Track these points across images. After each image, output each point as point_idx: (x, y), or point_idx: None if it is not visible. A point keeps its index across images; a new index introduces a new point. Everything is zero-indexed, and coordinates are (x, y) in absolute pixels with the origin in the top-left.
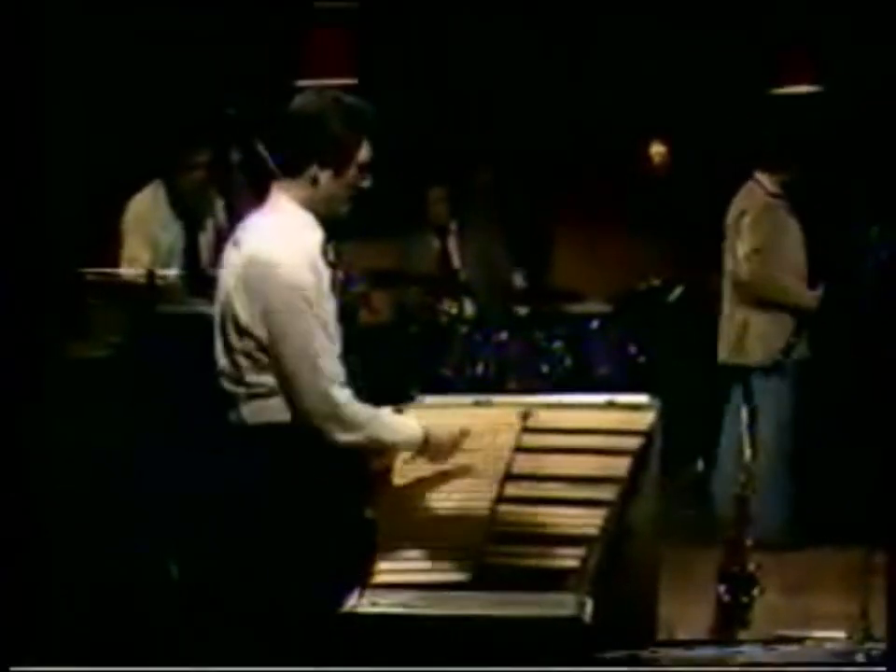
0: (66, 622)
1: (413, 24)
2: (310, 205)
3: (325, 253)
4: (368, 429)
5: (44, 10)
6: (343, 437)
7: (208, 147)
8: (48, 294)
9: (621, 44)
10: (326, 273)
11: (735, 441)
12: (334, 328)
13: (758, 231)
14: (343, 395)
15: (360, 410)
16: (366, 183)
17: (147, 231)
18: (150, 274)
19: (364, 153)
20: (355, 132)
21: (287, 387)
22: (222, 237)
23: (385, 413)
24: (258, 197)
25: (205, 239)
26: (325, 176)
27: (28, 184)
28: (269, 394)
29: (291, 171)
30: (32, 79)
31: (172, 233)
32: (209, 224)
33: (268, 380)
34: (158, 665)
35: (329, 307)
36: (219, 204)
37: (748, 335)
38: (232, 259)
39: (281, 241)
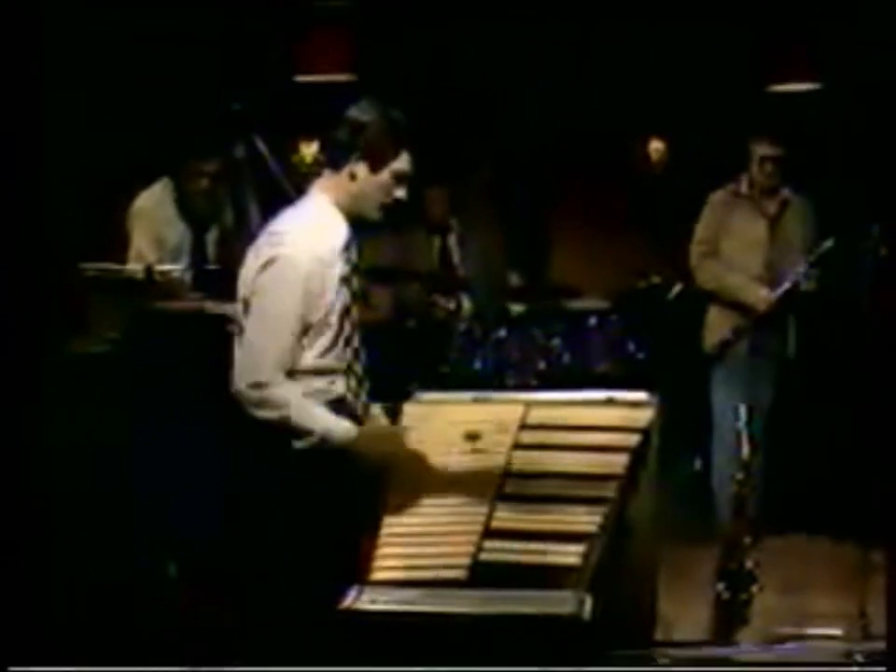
0: (66, 621)
1: (412, 23)
2: (345, 203)
3: (347, 251)
4: (283, 411)
5: (43, 7)
6: (258, 412)
7: (217, 155)
8: (47, 289)
9: (619, 42)
10: (339, 269)
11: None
12: (335, 319)
13: (707, 224)
14: (275, 377)
15: (283, 394)
16: (401, 194)
17: (153, 229)
18: (149, 270)
19: (401, 164)
20: (393, 139)
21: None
22: (228, 235)
23: (309, 403)
24: (263, 193)
25: (212, 237)
26: (362, 172)
27: (27, 179)
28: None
29: (335, 164)
30: (31, 74)
31: (178, 232)
32: (216, 222)
33: None
34: (158, 665)
35: (330, 299)
36: (226, 202)
37: (704, 324)
38: (254, 248)
39: (294, 232)
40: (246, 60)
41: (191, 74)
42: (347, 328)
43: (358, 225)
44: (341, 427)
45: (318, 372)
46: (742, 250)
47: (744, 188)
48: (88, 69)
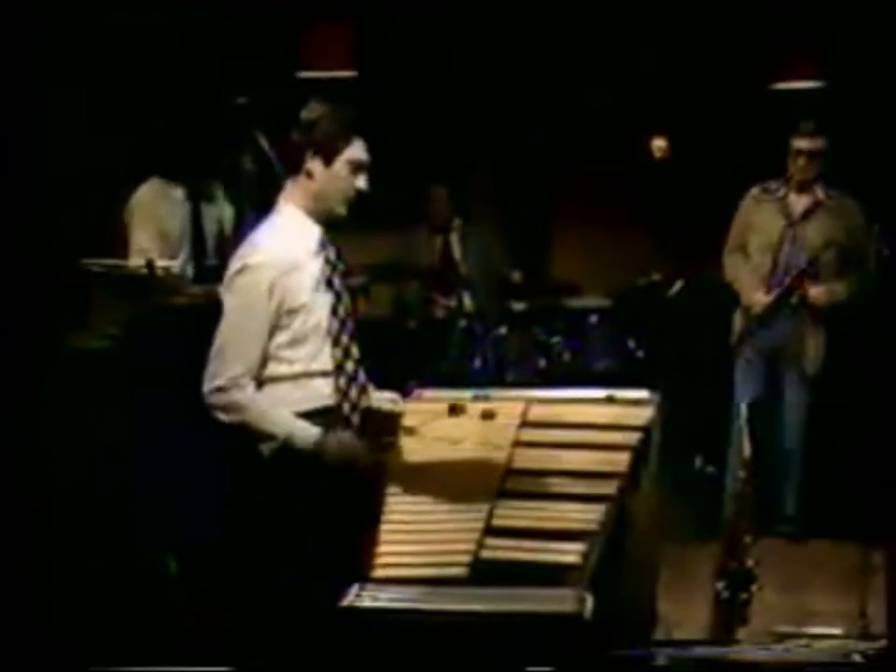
0: (66, 621)
1: (414, 21)
2: (309, 205)
3: (323, 251)
4: (241, 416)
5: (43, 7)
6: (221, 416)
7: (218, 151)
8: (48, 285)
9: (620, 40)
10: (316, 270)
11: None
12: (318, 321)
13: (737, 219)
14: (237, 381)
15: (242, 398)
16: (361, 184)
17: (152, 224)
18: (150, 265)
19: (355, 151)
20: (341, 128)
21: None
22: (229, 231)
23: (272, 408)
24: (264, 189)
25: (213, 233)
26: (317, 167)
27: (27, 177)
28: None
29: (294, 167)
30: (31, 71)
31: (178, 227)
32: (215, 218)
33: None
34: (158, 665)
35: (306, 302)
36: (227, 198)
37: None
38: (232, 259)
39: (263, 242)
40: (249, 56)
41: (193, 69)
42: (335, 327)
43: (331, 224)
44: (304, 432)
45: (307, 375)
46: (760, 249)
47: (774, 185)
48: (87, 67)
